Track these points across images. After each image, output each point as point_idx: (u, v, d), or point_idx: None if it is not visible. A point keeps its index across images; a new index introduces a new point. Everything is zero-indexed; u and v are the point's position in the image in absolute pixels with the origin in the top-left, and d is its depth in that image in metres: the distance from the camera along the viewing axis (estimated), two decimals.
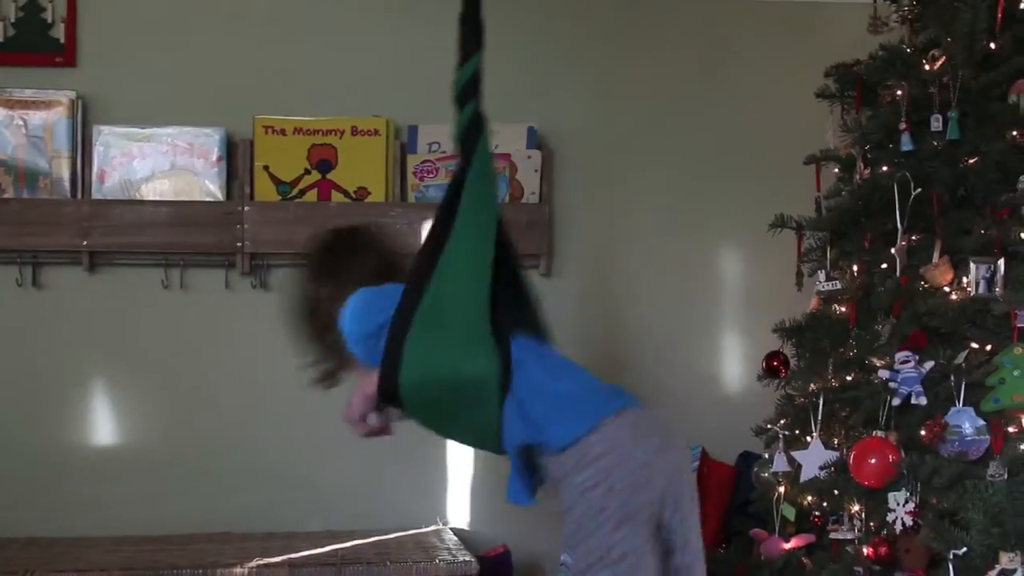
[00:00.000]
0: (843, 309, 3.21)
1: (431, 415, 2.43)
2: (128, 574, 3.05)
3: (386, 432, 2.57)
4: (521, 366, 2.28)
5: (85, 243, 3.68)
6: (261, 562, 3.10)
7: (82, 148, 3.73)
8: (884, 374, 2.89)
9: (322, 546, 3.37)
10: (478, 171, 2.32)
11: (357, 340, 2.40)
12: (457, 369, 2.27)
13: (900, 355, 2.88)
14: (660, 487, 2.24)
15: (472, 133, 2.33)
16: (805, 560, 3.10)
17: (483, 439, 2.38)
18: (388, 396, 2.37)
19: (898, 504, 2.78)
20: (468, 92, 2.36)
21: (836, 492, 3.04)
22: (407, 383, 2.30)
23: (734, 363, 4.04)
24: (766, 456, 3.37)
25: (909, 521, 2.75)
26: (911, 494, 2.77)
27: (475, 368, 2.25)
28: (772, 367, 3.35)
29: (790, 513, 3.18)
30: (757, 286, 3.99)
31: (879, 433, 2.90)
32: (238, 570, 3.06)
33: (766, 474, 3.34)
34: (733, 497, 3.65)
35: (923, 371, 2.84)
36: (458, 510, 3.90)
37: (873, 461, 2.84)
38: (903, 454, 2.81)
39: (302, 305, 2.61)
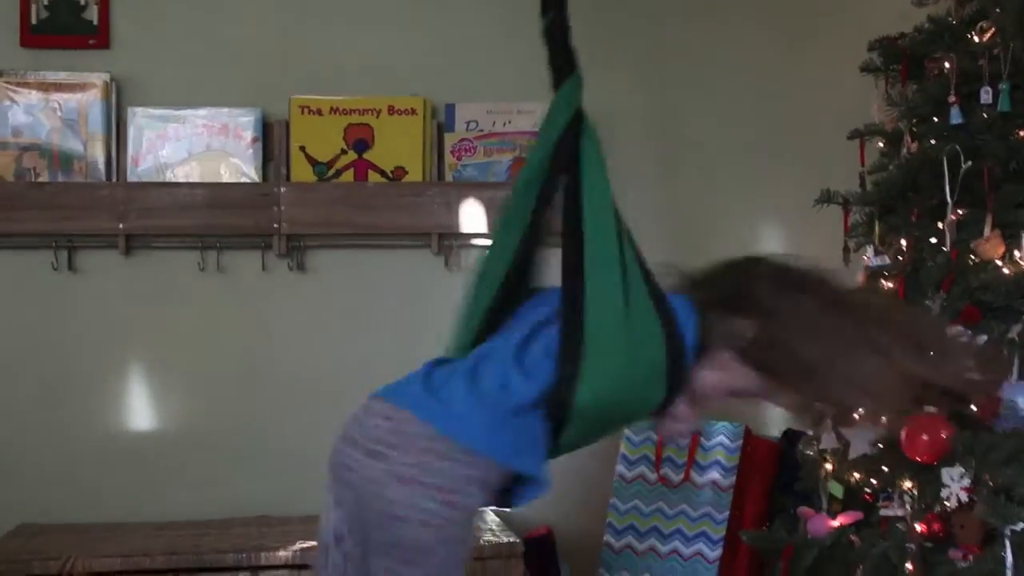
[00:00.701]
0: (891, 285, 3.16)
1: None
2: (171, 559, 3.03)
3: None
4: None
5: (121, 226, 3.66)
6: (305, 545, 3.07)
7: (116, 130, 3.72)
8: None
9: None
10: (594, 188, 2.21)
11: None
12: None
13: (953, 331, 2.84)
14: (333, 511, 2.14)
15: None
16: (854, 538, 3.06)
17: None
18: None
19: (952, 480, 2.73)
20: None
21: (886, 469, 3.00)
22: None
23: None
24: (811, 433, 3.32)
25: (964, 497, 2.70)
26: (966, 470, 2.73)
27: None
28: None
29: (837, 491, 3.13)
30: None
31: (931, 409, 2.85)
32: (282, 553, 3.04)
33: (811, 452, 3.29)
34: (777, 475, 3.61)
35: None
36: None
37: (926, 437, 2.78)
38: (956, 430, 2.77)
39: None
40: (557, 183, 2.23)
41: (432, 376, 2.19)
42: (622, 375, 2.11)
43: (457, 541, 2.10)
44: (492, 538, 3.13)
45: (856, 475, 3.10)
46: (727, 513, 3.43)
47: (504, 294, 2.25)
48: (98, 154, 3.67)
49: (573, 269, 2.15)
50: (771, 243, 4.04)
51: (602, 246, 2.18)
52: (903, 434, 2.83)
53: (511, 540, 3.11)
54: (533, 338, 2.18)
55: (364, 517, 2.07)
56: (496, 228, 2.35)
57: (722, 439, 3.52)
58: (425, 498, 2.03)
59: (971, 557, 2.69)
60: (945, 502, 2.74)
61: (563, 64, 2.20)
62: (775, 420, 3.77)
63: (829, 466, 3.16)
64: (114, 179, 3.70)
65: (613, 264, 2.16)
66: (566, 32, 2.20)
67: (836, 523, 3.09)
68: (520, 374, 2.12)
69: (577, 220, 2.18)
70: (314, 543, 3.03)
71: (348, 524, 2.10)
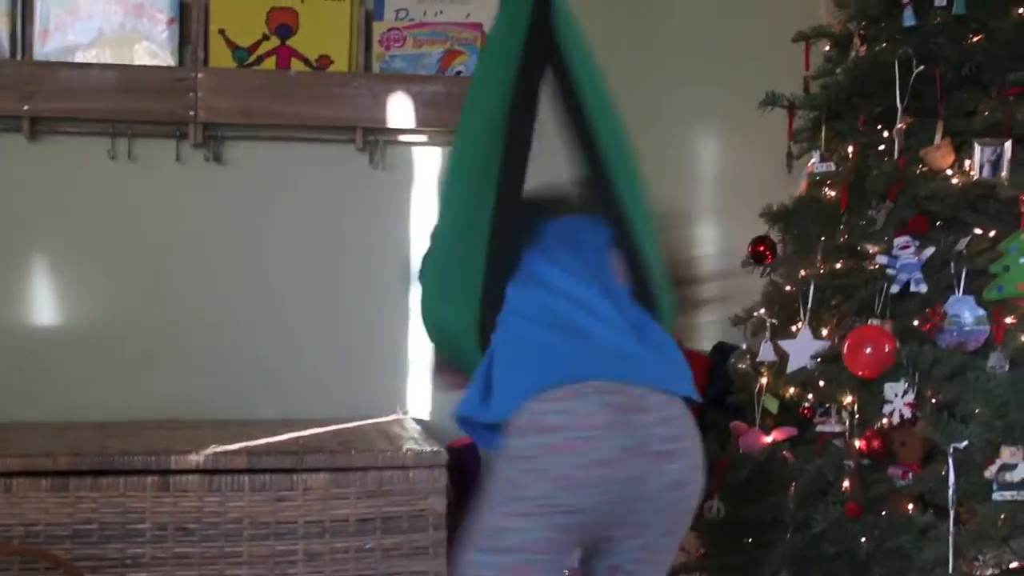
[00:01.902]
0: (833, 193, 3.06)
1: None
2: (76, 460, 2.85)
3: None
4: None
5: (26, 108, 3.45)
6: (218, 449, 2.92)
7: (23, 4, 3.48)
8: (882, 260, 2.76)
9: (279, 434, 3.19)
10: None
11: None
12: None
13: (899, 240, 2.75)
14: (612, 498, 1.94)
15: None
16: (787, 454, 2.98)
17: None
18: None
19: (896, 395, 2.65)
20: None
21: (823, 384, 2.91)
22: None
23: (713, 251, 3.87)
24: (744, 347, 3.24)
25: (908, 413, 2.63)
26: (909, 385, 2.65)
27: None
28: (758, 252, 3.19)
29: (773, 405, 3.04)
30: (741, 171, 3.82)
31: (875, 321, 2.76)
32: (193, 457, 2.88)
33: (743, 365, 3.21)
34: (707, 389, 3.52)
35: (923, 257, 2.71)
36: (418, 401, 3.74)
37: (869, 350, 2.70)
38: (899, 344, 2.68)
39: None
40: (537, 76, 2.10)
41: (612, 334, 2.07)
42: None
43: None
44: (415, 447, 3.00)
45: (792, 390, 3.03)
46: None
47: (499, 236, 2.12)
48: (1, 29, 3.43)
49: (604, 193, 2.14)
50: (711, 148, 3.92)
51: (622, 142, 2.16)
52: (845, 347, 2.74)
53: (434, 449, 2.98)
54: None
55: (672, 516, 2.03)
56: (460, 166, 2.18)
57: None
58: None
59: (910, 475, 2.63)
60: (887, 418, 2.67)
61: None
62: (707, 333, 3.68)
63: (764, 380, 3.08)
64: (18, 56, 3.47)
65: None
66: None
67: (770, 439, 3.01)
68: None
69: (580, 113, 2.11)
70: (229, 447, 2.93)
71: (635, 529, 2.03)
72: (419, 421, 3.60)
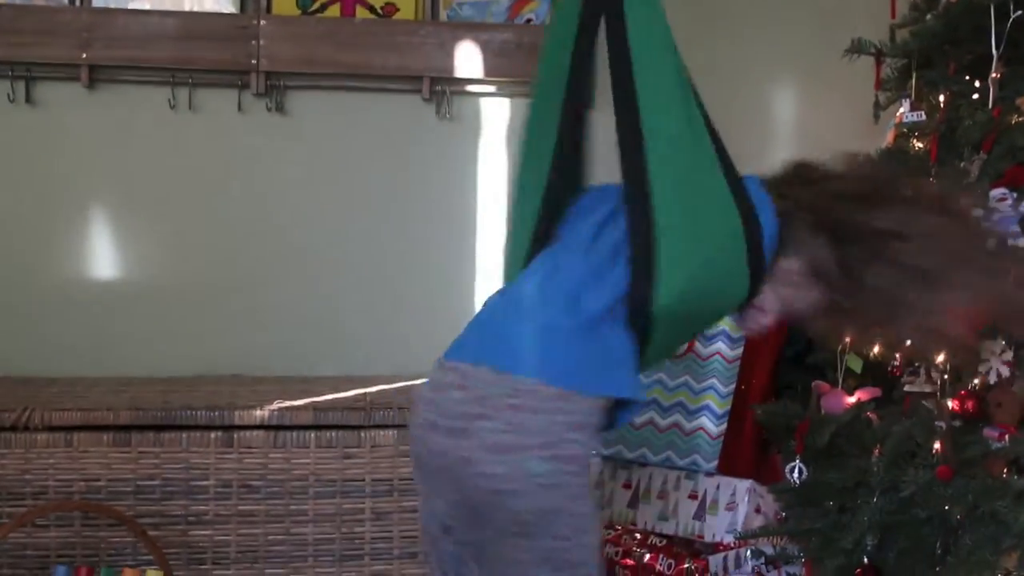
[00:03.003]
0: (922, 145, 2.94)
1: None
2: (138, 414, 2.80)
3: None
4: None
5: (84, 56, 3.36)
6: (283, 405, 2.85)
7: None
8: (976, 213, 2.63)
9: (344, 390, 3.11)
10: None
11: None
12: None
13: (995, 192, 2.61)
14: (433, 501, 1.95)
15: None
16: (872, 415, 2.87)
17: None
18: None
19: (993, 353, 2.53)
20: None
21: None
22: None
23: None
24: None
25: (1006, 372, 2.51)
26: (1007, 343, 2.52)
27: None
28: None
29: (856, 364, 2.93)
30: (823, 123, 3.69)
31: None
32: (258, 412, 2.81)
33: None
34: (784, 348, 3.40)
35: (1022, 210, 2.58)
36: None
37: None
38: None
39: None
40: (594, 31, 1.94)
41: (495, 313, 1.97)
42: (702, 268, 1.88)
43: (579, 496, 1.87)
44: None
45: (876, 349, 2.91)
46: (733, 386, 3.22)
47: (551, 201, 2.00)
48: None
49: (632, 145, 1.88)
50: (790, 98, 3.79)
51: (665, 108, 1.89)
52: None
53: None
54: (598, 240, 1.95)
55: (471, 502, 1.86)
56: (527, 128, 2.06)
57: None
58: (529, 461, 1.81)
59: (1007, 437, 2.51)
60: (983, 377, 2.55)
61: None
62: None
63: (848, 338, 2.97)
64: (77, 3, 3.38)
65: (681, 130, 1.89)
66: None
67: (853, 399, 2.90)
68: (591, 285, 1.90)
69: (628, 76, 1.89)
70: (295, 403, 2.86)
71: (453, 512, 1.90)
72: None
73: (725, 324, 3.22)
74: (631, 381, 1.92)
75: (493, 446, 1.82)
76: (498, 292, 2.04)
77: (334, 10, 3.48)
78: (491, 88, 3.61)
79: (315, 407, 2.85)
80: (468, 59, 3.50)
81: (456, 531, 1.91)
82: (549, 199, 2.01)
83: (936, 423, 2.63)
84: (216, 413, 2.80)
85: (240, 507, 2.79)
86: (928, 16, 2.99)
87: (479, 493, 1.84)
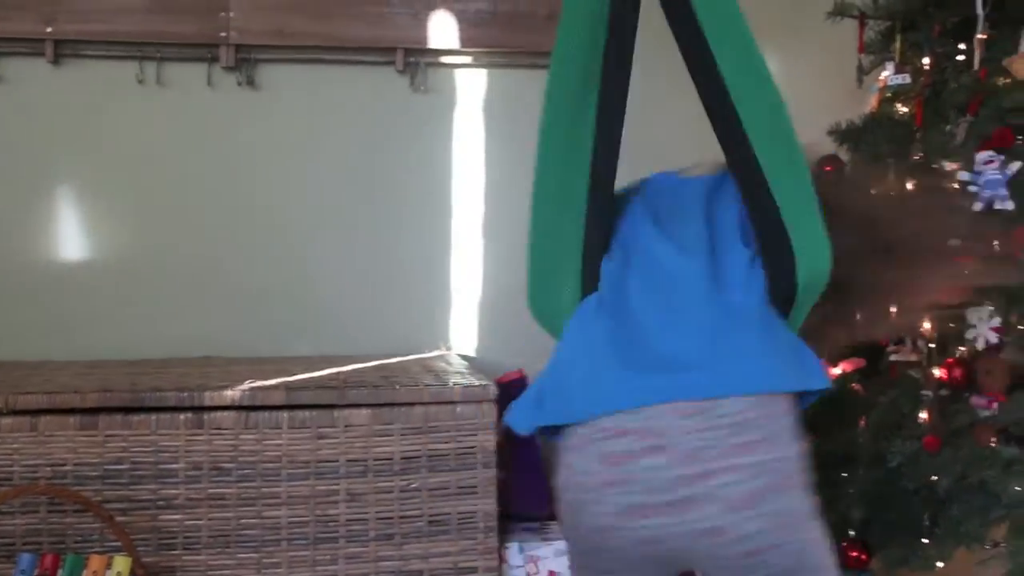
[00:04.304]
0: (906, 109, 2.88)
1: None
2: (106, 396, 2.71)
3: None
4: None
5: (49, 30, 3.29)
6: (254, 385, 2.77)
7: None
8: (964, 176, 2.57)
9: (317, 370, 3.04)
10: None
11: None
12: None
13: (982, 155, 2.56)
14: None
15: None
16: (857, 386, 2.81)
17: None
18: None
19: (980, 320, 2.47)
20: None
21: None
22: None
23: None
24: None
25: (994, 339, 2.45)
26: (995, 310, 2.47)
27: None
28: (826, 173, 3.00)
29: None
30: (804, 87, 3.60)
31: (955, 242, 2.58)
32: (228, 393, 2.73)
33: None
34: None
35: (1009, 173, 2.52)
36: (463, 336, 3.58)
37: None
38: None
39: None
40: (632, 23, 1.84)
41: (654, 341, 1.75)
42: (825, 240, 1.80)
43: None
44: (462, 381, 2.84)
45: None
46: None
47: (599, 211, 1.87)
48: None
49: (732, 139, 1.84)
50: (770, 62, 3.70)
51: (755, 80, 1.86)
52: None
53: (483, 383, 2.82)
54: (725, 232, 1.86)
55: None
56: (549, 134, 1.87)
57: None
58: (783, 498, 1.67)
59: (996, 405, 2.45)
60: (970, 345, 2.49)
61: None
62: None
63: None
64: None
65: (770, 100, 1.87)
66: None
67: (838, 370, 2.85)
68: (749, 277, 1.79)
69: (712, 64, 1.82)
70: (267, 383, 2.79)
71: None
72: (464, 357, 3.44)
73: None
74: (818, 367, 1.80)
75: (739, 501, 1.64)
76: (607, 324, 1.81)
77: None
78: (467, 59, 3.53)
79: (287, 387, 2.77)
80: (443, 30, 3.43)
81: None
82: (596, 209, 1.87)
83: (923, 392, 2.60)
84: (185, 394, 2.72)
85: (211, 490, 2.71)
86: None
87: (729, 560, 1.67)
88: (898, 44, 2.90)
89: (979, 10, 2.68)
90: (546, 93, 1.85)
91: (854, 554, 2.67)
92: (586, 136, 1.85)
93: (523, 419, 1.85)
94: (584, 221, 1.87)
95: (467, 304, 3.55)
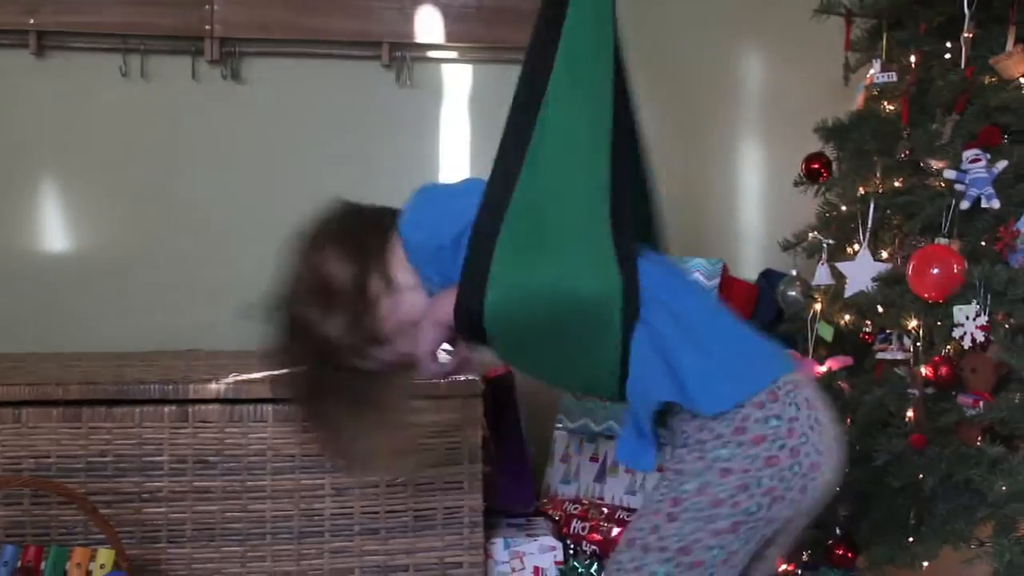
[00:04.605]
0: (893, 107, 2.89)
1: (524, 349, 1.82)
2: (89, 388, 2.70)
3: (464, 370, 2.06)
4: (655, 291, 1.75)
5: (32, 21, 3.30)
6: (239, 378, 2.76)
7: None
8: (950, 175, 2.57)
9: None
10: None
11: (427, 253, 1.85)
12: (563, 287, 1.69)
13: (969, 153, 2.57)
14: (810, 503, 1.74)
15: None
16: (844, 384, 2.82)
17: (595, 382, 1.81)
18: (469, 325, 1.78)
19: (967, 318, 2.47)
20: None
21: (882, 309, 2.75)
22: (496, 307, 1.72)
23: (758, 175, 3.70)
24: (794, 273, 3.07)
25: (980, 336, 2.45)
26: (981, 307, 2.47)
27: (588, 288, 1.69)
28: (812, 170, 3.02)
29: (827, 332, 2.88)
30: (791, 85, 3.63)
31: (942, 240, 2.59)
32: (213, 386, 2.73)
33: (794, 292, 3.04)
34: (753, 318, 3.35)
35: (995, 171, 2.53)
36: None
37: (936, 271, 2.52)
38: (969, 264, 2.51)
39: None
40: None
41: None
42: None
43: None
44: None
45: (847, 317, 2.87)
46: None
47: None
48: None
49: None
50: (757, 60, 3.72)
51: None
52: (909, 269, 2.57)
53: (469, 378, 2.82)
54: None
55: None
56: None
57: (698, 277, 3.22)
58: None
59: (981, 404, 2.46)
60: (956, 343, 2.50)
61: None
62: (753, 260, 3.55)
63: (818, 306, 2.91)
64: None
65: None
66: None
67: (824, 368, 2.85)
68: None
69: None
70: (252, 376, 2.78)
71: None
72: (450, 352, 3.43)
73: None
74: None
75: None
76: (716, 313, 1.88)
77: None
78: (452, 54, 3.54)
79: (273, 379, 2.76)
80: (429, 24, 3.44)
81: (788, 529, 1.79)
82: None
83: (909, 391, 2.60)
84: (170, 387, 2.72)
85: (195, 483, 2.71)
86: None
87: (801, 521, 1.79)
88: (884, 42, 2.92)
89: (965, 8, 2.68)
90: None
91: (840, 552, 2.68)
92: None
93: (724, 396, 1.73)
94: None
95: None
